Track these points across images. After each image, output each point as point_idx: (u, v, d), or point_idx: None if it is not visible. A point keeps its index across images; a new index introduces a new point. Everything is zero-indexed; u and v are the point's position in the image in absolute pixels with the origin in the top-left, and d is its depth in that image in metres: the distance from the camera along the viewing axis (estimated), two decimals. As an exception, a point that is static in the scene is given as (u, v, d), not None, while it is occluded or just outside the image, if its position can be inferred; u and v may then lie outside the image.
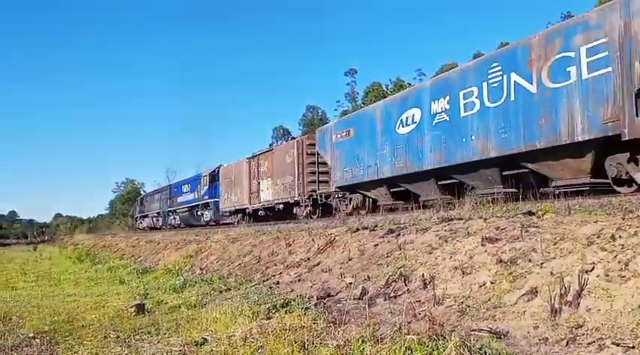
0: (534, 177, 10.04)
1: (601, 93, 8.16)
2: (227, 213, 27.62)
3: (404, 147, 13.32)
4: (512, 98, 9.98)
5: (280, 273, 8.60)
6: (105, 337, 5.74)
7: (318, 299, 6.20)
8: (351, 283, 6.42)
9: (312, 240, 9.48)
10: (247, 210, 24.75)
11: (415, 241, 6.82)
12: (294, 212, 20.46)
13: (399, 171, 13.48)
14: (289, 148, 20.89)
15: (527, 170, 10.13)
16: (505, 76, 10.19)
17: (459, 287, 5.05)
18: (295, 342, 4.55)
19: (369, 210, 15.93)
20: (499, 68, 10.38)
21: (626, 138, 7.67)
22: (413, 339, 3.95)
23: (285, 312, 5.73)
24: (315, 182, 19.36)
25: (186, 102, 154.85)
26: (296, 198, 19.92)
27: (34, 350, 5.44)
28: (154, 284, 10.55)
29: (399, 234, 7.43)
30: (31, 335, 6.06)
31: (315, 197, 18.75)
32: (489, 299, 4.61)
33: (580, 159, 8.92)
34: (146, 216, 47.37)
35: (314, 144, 18.87)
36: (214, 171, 30.70)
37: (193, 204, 33.35)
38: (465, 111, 11.24)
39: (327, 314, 5.38)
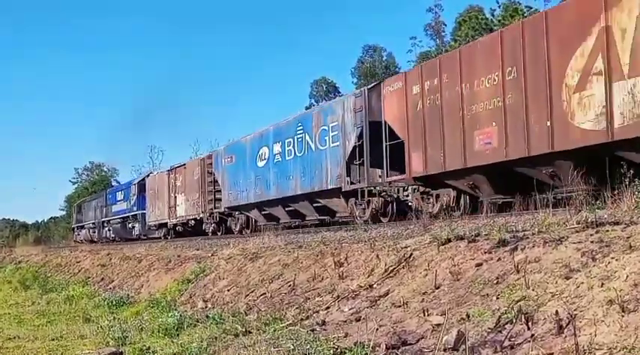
0: (329, 210, 22.10)
1: (336, 158, 19.68)
2: (154, 227, 37.51)
3: (261, 178, 25.22)
4: (306, 152, 21.69)
5: (327, 308, 8.63)
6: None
7: (387, 348, 6.19)
8: (439, 324, 6.36)
9: (377, 256, 9.47)
10: (168, 225, 34.82)
11: (543, 259, 6.69)
12: (204, 228, 31.01)
13: (258, 197, 25.44)
14: (195, 166, 31.76)
15: (322, 204, 22.07)
16: (304, 134, 21.88)
17: (616, 333, 4.91)
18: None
19: (252, 229, 26.68)
20: (302, 127, 22.20)
21: (343, 190, 18.47)
22: (543, 414, 3.88)
23: (338, 369, 5.74)
24: (213, 201, 29.83)
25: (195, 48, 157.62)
26: (201, 215, 30.65)
27: None
28: (134, 324, 10.80)
29: (515, 248, 7.31)
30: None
31: (214, 214, 29.75)
32: (667, 353, 4.47)
33: (340, 199, 20.75)
34: (83, 227, 56.77)
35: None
36: (143, 179, 40.41)
37: (125, 214, 42.95)
38: (288, 156, 23.23)
39: (402, 372, 5.36)
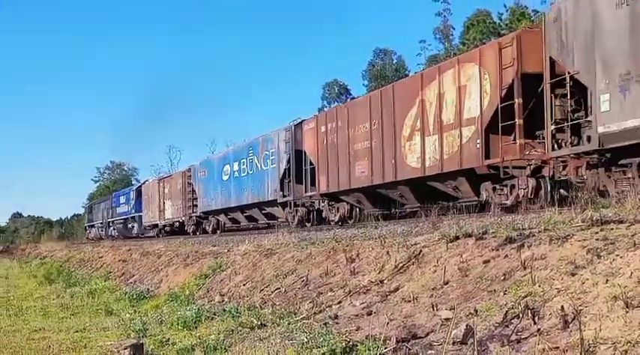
0: (272, 215, 27.32)
1: (274, 176, 25.58)
2: (149, 227, 43.65)
3: (225, 190, 30.62)
4: (255, 171, 27.33)
5: (339, 303, 8.63)
6: (88, 391, 5.95)
7: (398, 342, 6.18)
8: (448, 319, 6.35)
9: (387, 253, 9.46)
10: (159, 225, 40.95)
11: (549, 256, 6.67)
12: (186, 229, 36.39)
13: (224, 205, 31.04)
14: (179, 177, 37.94)
15: (267, 211, 27.62)
16: (254, 157, 27.49)
17: (620, 328, 4.88)
18: (366, 406, 4.55)
19: (222, 230, 32.44)
20: (252, 151, 27.99)
21: (278, 201, 25.41)
22: (550, 406, 3.86)
23: (350, 361, 5.74)
24: (192, 206, 35.19)
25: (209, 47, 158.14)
26: (183, 218, 36.44)
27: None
28: (154, 316, 10.85)
29: (522, 245, 7.29)
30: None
31: (193, 217, 35.17)
32: (671, 348, 4.44)
33: (278, 208, 26.10)
34: (93, 226, 63.50)
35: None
36: (140, 186, 47.58)
37: (126, 216, 49.13)
38: (243, 173, 28.82)
39: (413, 364, 5.35)
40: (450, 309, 6.62)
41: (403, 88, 18.43)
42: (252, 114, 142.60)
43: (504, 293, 6.44)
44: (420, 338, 6.32)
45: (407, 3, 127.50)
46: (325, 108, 64.00)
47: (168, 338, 8.65)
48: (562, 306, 5.46)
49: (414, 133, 17.28)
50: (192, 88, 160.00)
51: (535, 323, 5.51)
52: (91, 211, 66.70)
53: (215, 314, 9.90)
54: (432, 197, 17.35)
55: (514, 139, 14.01)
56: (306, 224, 23.69)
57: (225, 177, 30.63)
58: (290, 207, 24.81)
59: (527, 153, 13.88)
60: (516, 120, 13.85)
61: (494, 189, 15.21)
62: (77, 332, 10.31)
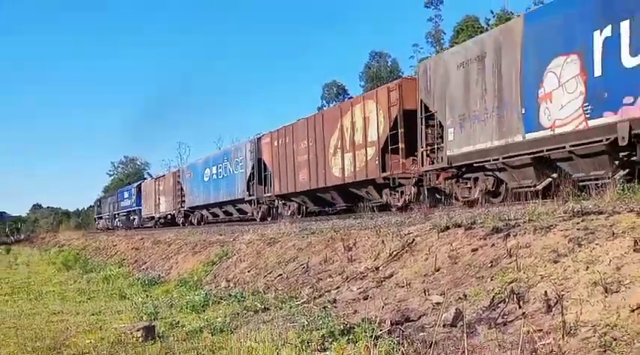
0: (243, 211, 30.44)
1: (242, 179, 29.10)
2: (147, 219, 47.53)
3: (206, 189, 34.04)
4: (229, 174, 30.87)
5: (338, 288, 8.64)
6: (104, 370, 5.95)
7: (392, 324, 6.18)
8: (439, 303, 6.35)
9: (382, 241, 9.46)
10: (155, 218, 44.81)
11: (533, 245, 6.67)
12: (176, 221, 39.90)
13: (205, 201, 34.31)
14: (171, 177, 42.02)
15: (239, 207, 30.99)
16: (228, 162, 31.20)
17: (599, 312, 4.89)
18: (363, 384, 4.55)
19: (205, 222, 35.59)
20: (226, 158, 31.73)
21: (245, 200, 28.95)
22: (534, 384, 3.86)
23: (347, 342, 5.75)
24: (180, 202, 39.06)
25: (210, 51, 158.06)
26: (173, 212, 40.47)
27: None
28: (165, 301, 10.86)
29: (508, 235, 7.29)
30: (8, 365, 6.37)
31: (181, 211, 38.96)
32: (647, 330, 4.44)
33: (247, 205, 29.50)
34: (102, 217, 67.56)
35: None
36: (139, 184, 51.67)
37: (129, 209, 53.37)
38: (219, 176, 32.26)
39: (406, 345, 5.36)
40: (441, 294, 6.62)
41: (329, 115, 22.23)
42: (256, 113, 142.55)
43: (491, 280, 6.44)
44: (413, 321, 6.33)
45: (401, 9, 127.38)
46: (325, 106, 64.26)
47: (178, 321, 8.66)
48: (545, 291, 5.47)
49: (336, 150, 20.94)
50: (201, 87, 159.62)
51: (520, 307, 5.51)
52: (99, 205, 70.88)
53: (221, 299, 9.91)
54: (353, 198, 20.89)
55: (400, 158, 17.57)
56: (267, 218, 26.82)
57: (206, 179, 34.24)
58: (255, 205, 28.28)
59: (409, 168, 17.36)
60: (400, 144, 17.54)
61: (390, 193, 18.80)
62: (93, 315, 10.32)
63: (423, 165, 16.37)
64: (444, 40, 65.66)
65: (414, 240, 8.89)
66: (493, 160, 13.85)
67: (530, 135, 12.79)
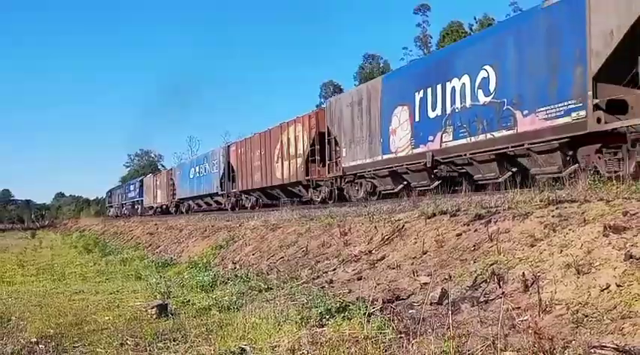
0: (218, 202, 34.18)
1: (217, 177, 33.36)
2: (147, 208, 51.89)
3: (191, 185, 38.58)
4: (208, 173, 35.24)
5: (334, 269, 8.66)
6: (121, 344, 5.97)
7: (384, 302, 6.20)
8: (426, 283, 6.37)
9: (375, 227, 9.47)
10: (154, 207, 49.54)
11: (512, 230, 6.68)
12: (170, 210, 44.34)
13: (191, 194, 38.73)
14: (165, 174, 47.61)
15: (215, 199, 34.89)
16: (206, 164, 35.70)
17: (572, 291, 4.90)
18: (357, 357, 4.56)
19: (192, 211, 38.56)
20: (206, 160, 36.18)
21: (219, 194, 33.22)
22: (512, 357, 3.87)
23: (343, 318, 5.76)
24: (173, 194, 43.42)
25: (211, 51, 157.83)
26: (167, 203, 45.13)
27: (37, 357, 5.72)
28: (177, 281, 10.87)
29: (489, 221, 7.29)
30: (34, 339, 6.38)
31: (173, 202, 43.34)
32: (615, 307, 4.45)
33: (221, 197, 33.35)
34: (112, 206, 73.85)
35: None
36: (141, 179, 57.64)
37: (134, 200, 58.86)
38: (200, 175, 36.81)
39: (396, 322, 5.37)
40: (428, 275, 6.63)
41: (274, 132, 25.76)
42: (259, 109, 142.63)
43: (474, 262, 6.46)
44: (403, 299, 6.35)
45: (392, 15, 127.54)
46: (323, 103, 64.74)
47: (189, 299, 8.66)
48: (523, 273, 5.48)
49: (278, 159, 24.82)
50: (212, 83, 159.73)
51: (500, 287, 5.53)
52: (110, 195, 77.20)
53: (228, 279, 9.91)
54: (292, 195, 24.85)
55: (316, 167, 21.63)
56: (235, 208, 30.75)
57: (191, 176, 38.65)
58: (226, 197, 32.27)
59: (322, 174, 21.35)
60: (316, 157, 21.55)
61: (313, 192, 22.51)
62: (111, 293, 10.33)
63: (328, 173, 20.81)
64: (431, 44, 65.66)
65: (403, 225, 8.89)
66: (367, 171, 18.15)
67: (385, 156, 17.16)
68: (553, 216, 6.51)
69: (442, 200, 10.35)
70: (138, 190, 56.31)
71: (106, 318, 7.59)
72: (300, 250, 10.75)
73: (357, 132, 18.69)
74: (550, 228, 6.21)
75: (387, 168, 16.92)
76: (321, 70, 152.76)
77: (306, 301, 6.84)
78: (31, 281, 13.50)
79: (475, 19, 55.92)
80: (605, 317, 4.40)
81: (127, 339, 6.12)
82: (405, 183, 16.65)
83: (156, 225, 28.12)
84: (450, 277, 6.31)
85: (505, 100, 12.38)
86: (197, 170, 37.54)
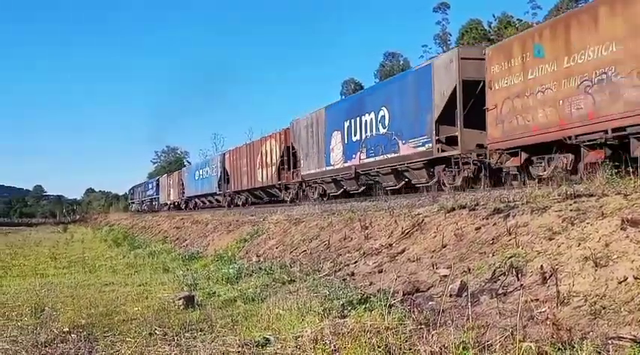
0: (217, 200, 39.64)
1: (216, 179, 38.63)
2: (162, 205, 57.34)
3: (197, 184, 44.07)
4: (209, 175, 40.63)
5: (355, 262, 8.68)
6: (150, 334, 6.05)
7: (404, 294, 6.21)
8: (446, 276, 6.36)
9: (395, 221, 9.47)
10: (168, 204, 54.55)
11: (530, 224, 6.63)
12: (180, 207, 49.26)
13: (196, 193, 44.58)
14: (177, 174, 52.61)
15: (216, 197, 40.43)
16: (208, 167, 41.45)
17: (590, 284, 4.87)
18: (378, 347, 4.58)
19: (198, 208, 43.22)
20: (207, 164, 42.66)
21: (217, 193, 38.83)
22: (531, 347, 3.87)
23: (364, 310, 5.78)
24: (183, 192, 48.61)
25: (232, 50, 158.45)
26: (178, 199, 50.37)
27: (70, 346, 5.83)
28: (203, 273, 10.96)
29: (508, 215, 7.25)
30: (66, 329, 6.50)
31: (183, 199, 48.48)
32: (632, 299, 4.42)
33: (220, 196, 38.72)
34: (134, 202, 79.39)
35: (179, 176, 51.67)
36: (158, 179, 63.55)
37: (152, 197, 64.44)
38: (203, 176, 42.55)
39: (416, 313, 5.38)
40: (448, 268, 6.62)
41: (257, 144, 30.92)
42: (281, 106, 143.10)
43: (493, 255, 6.43)
44: (423, 291, 6.35)
45: (412, 13, 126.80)
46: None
47: (215, 291, 8.74)
48: (541, 265, 5.45)
49: (260, 166, 29.73)
50: (236, 85, 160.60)
51: (518, 279, 5.50)
52: (132, 193, 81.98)
53: (253, 272, 9.98)
54: (271, 195, 30.37)
55: (286, 173, 26.59)
56: (231, 205, 34.55)
57: (197, 178, 43.69)
58: (223, 196, 36.95)
59: (290, 179, 26.32)
60: (286, 165, 26.56)
61: (285, 193, 27.30)
62: (140, 285, 10.45)
63: (293, 179, 25.89)
64: (450, 42, 65.08)
65: (423, 220, 8.88)
66: (318, 178, 23.46)
67: (328, 167, 22.36)
68: (571, 210, 6.46)
69: (461, 195, 10.30)
70: (155, 188, 61.93)
71: (135, 309, 7.70)
72: (322, 244, 10.78)
73: (310, 148, 23.93)
74: (568, 222, 6.17)
75: (329, 176, 22.39)
76: (343, 68, 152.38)
77: (328, 293, 6.88)
78: (63, 273, 13.71)
79: (494, 16, 55.18)
80: (622, 309, 4.36)
81: (156, 329, 6.21)
82: (343, 188, 21.84)
83: (182, 219, 28.35)
84: (469, 270, 6.29)
85: (393, 132, 17.82)
86: (201, 173, 43.05)
